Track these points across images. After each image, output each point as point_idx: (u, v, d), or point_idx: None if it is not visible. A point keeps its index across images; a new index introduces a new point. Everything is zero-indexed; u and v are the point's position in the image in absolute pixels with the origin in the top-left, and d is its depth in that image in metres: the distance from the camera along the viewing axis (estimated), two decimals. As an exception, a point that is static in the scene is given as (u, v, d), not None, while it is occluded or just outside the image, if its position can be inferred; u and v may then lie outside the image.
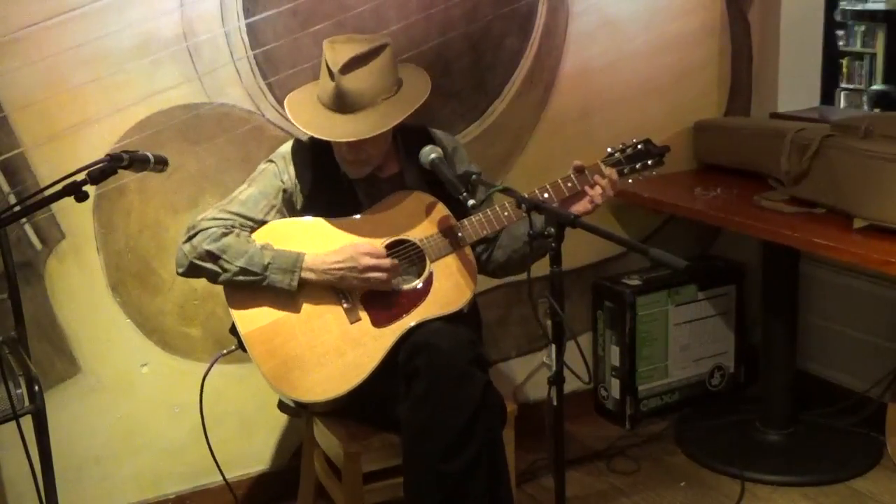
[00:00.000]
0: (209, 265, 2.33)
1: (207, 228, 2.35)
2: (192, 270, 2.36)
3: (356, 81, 2.32)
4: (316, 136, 2.34)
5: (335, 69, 2.30)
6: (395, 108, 2.36)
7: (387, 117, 2.34)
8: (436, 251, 2.41)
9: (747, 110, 3.56)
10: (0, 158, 2.56)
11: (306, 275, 2.32)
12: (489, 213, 2.42)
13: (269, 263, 2.31)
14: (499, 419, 2.35)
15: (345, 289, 2.37)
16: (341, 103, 2.33)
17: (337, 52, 2.33)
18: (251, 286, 2.33)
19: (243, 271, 2.31)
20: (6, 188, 2.58)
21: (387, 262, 2.34)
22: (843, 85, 7.44)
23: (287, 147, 2.49)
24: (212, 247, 2.32)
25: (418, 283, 2.40)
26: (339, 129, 2.33)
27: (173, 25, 2.66)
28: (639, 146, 2.48)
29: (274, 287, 2.32)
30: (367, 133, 2.31)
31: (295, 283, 2.32)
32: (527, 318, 3.31)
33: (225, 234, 2.34)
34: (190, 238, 2.36)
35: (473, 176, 2.43)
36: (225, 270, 2.32)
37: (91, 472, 2.80)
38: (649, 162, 2.48)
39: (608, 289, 3.39)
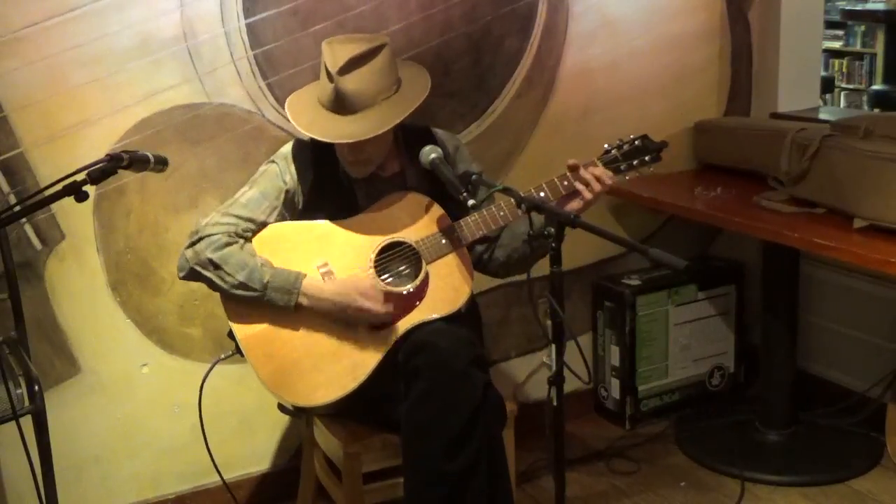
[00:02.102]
0: (209, 273, 2.33)
1: (211, 235, 2.35)
2: (192, 276, 2.37)
3: (355, 82, 2.31)
4: (317, 138, 2.33)
5: (333, 70, 2.29)
6: (394, 108, 2.35)
7: (386, 117, 2.33)
8: (431, 252, 2.41)
9: (747, 110, 3.56)
10: (0, 158, 2.56)
11: (301, 299, 2.32)
12: (485, 212, 2.40)
13: (268, 282, 2.31)
14: (499, 419, 2.35)
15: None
16: (340, 104, 2.32)
17: (335, 53, 2.32)
18: (249, 300, 2.33)
19: (242, 286, 2.31)
20: (6, 188, 2.58)
21: (381, 308, 2.33)
22: (843, 85, 7.45)
23: (288, 147, 2.49)
24: (214, 255, 2.32)
25: (413, 286, 2.39)
26: (338, 131, 2.32)
27: (173, 25, 2.66)
28: (636, 142, 2.43)
29: (273, 304, 2.32)
30: (367, 134, 2.30)
31: (293, 303, 2.32)
32: (527, 318, 3.30)
33: (228, 244, 2.34)
34: (193, 244, 2.36)
35: (473, 176, 2.42)
36: (224, 281, 2.32)
37: (91, 472, 2.80)
38: (646, 158, 2.44)
39: (608, 289, 3.39)
